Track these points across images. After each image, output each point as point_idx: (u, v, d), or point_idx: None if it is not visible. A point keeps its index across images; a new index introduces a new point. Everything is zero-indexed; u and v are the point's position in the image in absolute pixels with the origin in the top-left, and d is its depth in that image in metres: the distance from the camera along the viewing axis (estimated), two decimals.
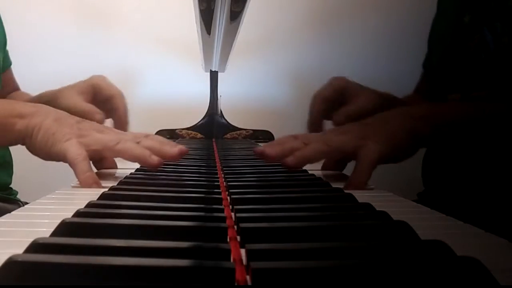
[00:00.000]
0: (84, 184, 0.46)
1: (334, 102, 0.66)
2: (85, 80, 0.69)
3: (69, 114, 0.54)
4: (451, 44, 0.73)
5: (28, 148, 0.53)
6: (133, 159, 0.50)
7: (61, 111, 0.54)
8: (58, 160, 0.51)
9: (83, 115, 0.59)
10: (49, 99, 0.66)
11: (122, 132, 0.57)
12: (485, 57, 0.65)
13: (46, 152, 0.50)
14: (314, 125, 0.65)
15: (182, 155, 0.51)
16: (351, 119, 0.59)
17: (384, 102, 0.65)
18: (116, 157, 0.55)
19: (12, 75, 0.95)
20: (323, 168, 0.60)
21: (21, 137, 0.52)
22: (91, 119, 0.59)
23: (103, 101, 0.69)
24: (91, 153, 0.49)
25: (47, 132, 0.50)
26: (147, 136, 0.53)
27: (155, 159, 0.49)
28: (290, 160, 0.48)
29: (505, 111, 0.55)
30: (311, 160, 0.50)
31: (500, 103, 0.57)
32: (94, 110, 0.64)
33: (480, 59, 0.66)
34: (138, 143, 0.51)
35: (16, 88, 0.94)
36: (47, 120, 0.51)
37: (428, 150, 0.81)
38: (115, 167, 0.59)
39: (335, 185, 0.42)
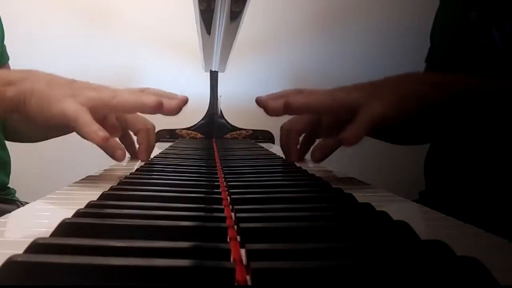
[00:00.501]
0: (94, 138, 0.45)
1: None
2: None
3: (60, 76, 0.52)
4: (455, 40, 0.71)
5: (24, 116, 0.50)
6: (131, 109, 0.49)
7: (52, 74, 0.52)
8: (58, 123, 0.49)
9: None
10: None
11: (118, 89, 0.54)
12: (493, 56, 0.64)
13: (43, 117, 0.48)
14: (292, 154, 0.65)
15: (181, 107, 0.49)
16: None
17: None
18: (114, 112, 0.53)
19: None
20: (318, 141, 0.59)
21: (13, 105, 0.49)
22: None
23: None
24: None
25: (40, 96, 0.48)
26: (143, 90, 0.52)
27: (152, 99, 0.48)
28: (293, 101, 0.47)
29: None
30: (313, 109, 0.49)
31: None
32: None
33: (487, 58, 0.64)
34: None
35: None
36: (38, 84, 0.49)
37: (430, 149, 0.80)
38: (118, 131, 0.57)
39: (335, 185, 0.42)
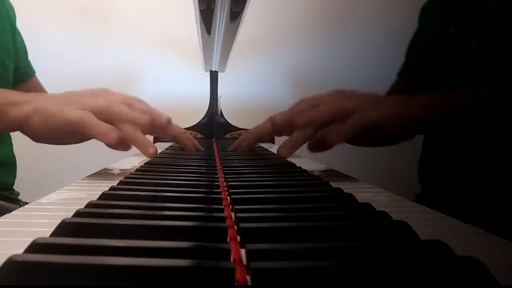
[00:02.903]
0: (105, 139, 0.47)
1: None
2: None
3: (56, 93, 0.54)
4: (434, 52, 0.77)
5: (28, 135, 0.53)
6: (123, 121, 0.50)
7: (50, 93, 0.55)
8: (64, 132, 0.50)
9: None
10: None
11: (113, 94, 0.56)
12: (471, 61, 0.68)
13: (49, 131, 0.51)
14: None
15: (168, 125, 0.52)
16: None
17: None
18: (108, 120, 0.53)
19: (39, 83, 0.96)
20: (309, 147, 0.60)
21: (15, 124, 0.52)
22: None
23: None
24: None
25: (41, 112, 0.50)
26: (130, 103, 0.54)
27: (145, 118, 0.50)
28: (299, 120, 0.52)
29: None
30: (319, 124, 0.53)
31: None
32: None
33: (466, 63, 0.69)
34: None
35: None
36: (39, 103, 0.51)
37: (423, 152, 0.81)
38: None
39: (335, 185, 0.42)
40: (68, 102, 0.51)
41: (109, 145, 0.51)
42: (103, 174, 0.55)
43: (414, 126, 0.53)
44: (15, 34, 0.88)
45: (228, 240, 0.25)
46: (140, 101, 0.55)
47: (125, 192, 0.36)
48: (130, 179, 0.44)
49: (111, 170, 0.58)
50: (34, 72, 0.95)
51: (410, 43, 0.89)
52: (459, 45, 0.71)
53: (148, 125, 0.51)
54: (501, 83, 0.61)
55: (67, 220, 0.25)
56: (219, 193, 0.37)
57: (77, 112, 0.48)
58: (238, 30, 0.74)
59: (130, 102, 0.53)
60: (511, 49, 0.62)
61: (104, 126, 0.48)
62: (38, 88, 0.94)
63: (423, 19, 0.87)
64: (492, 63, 0.65)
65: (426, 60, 0.80)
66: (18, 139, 0.91)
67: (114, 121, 0.51)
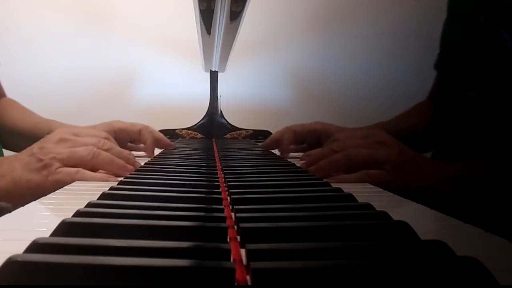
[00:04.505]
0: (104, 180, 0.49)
1: (304, 139, 0.77)
2: (105, 125, 0.72)
3: (26, 150, 0.51)
4: (465, 44, 0.73)
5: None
6: (107, 169, 0.52)
7: (18, 154, 0.51)
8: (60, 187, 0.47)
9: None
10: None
11: (83, 135, 0.55)
12: (503, 57, 0.65)
13: (44, 193, 0.44)
14: (284, 152, 0.75)
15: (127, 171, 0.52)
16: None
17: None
18: (93, 169, 0.52)
19: None
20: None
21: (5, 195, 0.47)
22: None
23: (129, 140, 0.76)
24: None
25: (24, 186, 0.47)
26: (106, 138, 0.55)
27: (131, 168, 0.52)
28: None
29: None
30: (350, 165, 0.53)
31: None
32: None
33: (498, 58, 0.66)
34: (106, 149, 0.52)
35: (1, 93, 0.89)
36: (14, 173, 0.48)
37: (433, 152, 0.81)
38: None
39: (335, 185, 0.42)
40: (46, 163, 0.48)
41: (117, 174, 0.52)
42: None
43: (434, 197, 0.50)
44: None
45: (228, 240, 0.25)
46: (107, 141, 0.54)
47: (125, 192, 0.36)
48: (130, 179, 0.44)
49: None
50: None
51: (441, 33, 0.84)
52: (488, 36, 0.67)
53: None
54: None
55: (67, 220, 0.25)
56: (219, 193, 0.37)
57: (63, 174, 0.48)
58: (238, 30, 0.74)
59: (102, 145, 0.53)
60: None
61: (97, 176, 0.49)
62: None
63: (451, 6, 0.81)
64: None
65: (457, 50, 0.76)
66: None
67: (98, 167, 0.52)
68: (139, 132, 0.74)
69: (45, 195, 0.39)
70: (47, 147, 0.50)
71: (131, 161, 0.54)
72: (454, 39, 0.79)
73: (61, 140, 0.51)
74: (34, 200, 0.37)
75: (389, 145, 0.53)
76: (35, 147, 0.51)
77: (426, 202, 0.36)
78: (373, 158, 0.51)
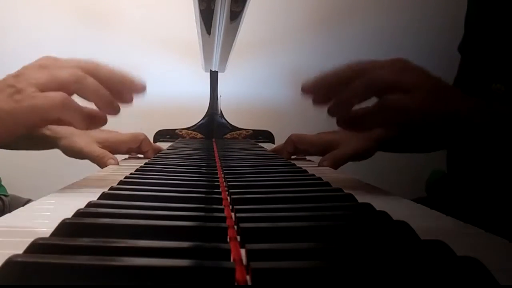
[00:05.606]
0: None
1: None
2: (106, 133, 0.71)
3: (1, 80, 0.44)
4: (492, 26, 0.67)
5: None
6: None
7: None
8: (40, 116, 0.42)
9: (93, 159, 0.63)
10: (55, 134, 0.68)
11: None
12: None
13: (18, 123, 0.41)
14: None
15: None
16: (338, 164, 0.64)
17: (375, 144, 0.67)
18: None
19: None
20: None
21: None
22: (104, 164, 0.63)
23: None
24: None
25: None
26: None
27: (116, 105, 0.46)
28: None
29: None
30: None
31: None
32: (107, 155, 0.65)
33: None
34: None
35: None
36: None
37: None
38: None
39: (335, 185, 0.42)
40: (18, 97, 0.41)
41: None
42: (103, 174, 0.55)
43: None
44: None
45: (228, 240, 0.25)
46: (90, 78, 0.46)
47: (125, 192, 0.36)
48: (130, 179, 0.44)
49: (111, 169, 0.58)
50: None
51: (466, 14, 0.78)
52: None
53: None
54: None
55: (67, 220, 0.25)
56: (219, 193, 0.37)
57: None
58: (238, 30, 0.74)
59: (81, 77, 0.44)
60: None
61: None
62: None
63: None
64: None
65: (482, 32, 0.71)
66: None
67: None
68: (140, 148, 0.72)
69: (25, 127, 0.38)
70: (24, 73, 0.43)
71: (115, 104, 0.47)
72: (475, 21, 0.73)
73: (41, 66, 0.44)
74: (8, 130, 0.35)
75: (416, 72, 0.48)
76: (11, 74, 0.44)
77: (426, 202, 0.36)
78: (399, 83, 0.45)
